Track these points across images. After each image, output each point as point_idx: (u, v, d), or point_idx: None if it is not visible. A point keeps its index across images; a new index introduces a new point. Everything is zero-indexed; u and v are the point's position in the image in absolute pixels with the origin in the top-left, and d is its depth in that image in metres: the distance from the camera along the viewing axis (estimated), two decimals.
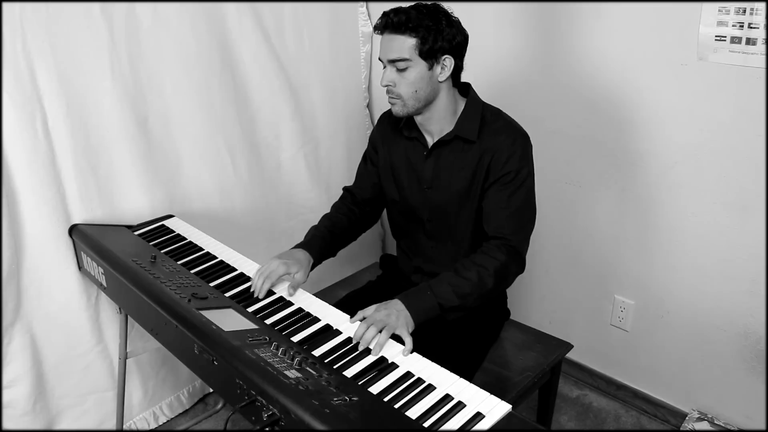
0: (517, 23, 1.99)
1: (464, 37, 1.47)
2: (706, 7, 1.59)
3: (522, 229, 1.51)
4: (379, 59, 1.48)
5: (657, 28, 1.70)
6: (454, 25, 1.44)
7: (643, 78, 1.78)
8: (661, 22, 1.69)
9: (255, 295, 1.48)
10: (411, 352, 1.28)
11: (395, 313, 1.35)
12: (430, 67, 1.44)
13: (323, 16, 2.26)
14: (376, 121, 1.76)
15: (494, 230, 1.49)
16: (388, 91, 1.49)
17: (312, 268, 1.58)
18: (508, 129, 1.52)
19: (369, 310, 1.38)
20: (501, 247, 1.47)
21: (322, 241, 1.63)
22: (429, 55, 1.42)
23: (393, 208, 1.72)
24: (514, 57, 2.04)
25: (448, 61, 1.45)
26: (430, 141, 1.58)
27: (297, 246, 1.60)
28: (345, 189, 1.80)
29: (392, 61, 1.44)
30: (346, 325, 1.37)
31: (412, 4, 1.45)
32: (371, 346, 1.29)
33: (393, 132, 1.64)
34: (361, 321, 1.36)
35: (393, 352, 1.28)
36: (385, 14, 1.44)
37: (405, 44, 1.41)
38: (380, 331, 1.30)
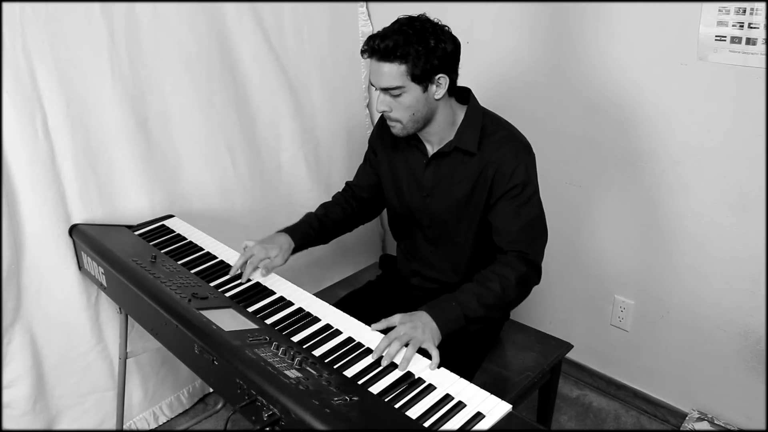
0: (517, 23, 1.99)
1: (456, 47, 1.42)
2: (706, 7, 1.59)
3: (536, 241, 1.49)
4: (371, 83, 1.45)
5: (657, 28, 1.70)
6: (444, 38, 1.38)
7: (643, 78, 1.78)
8: (661, 22, 1.69)
9: (232, 275, 1.55)
10: (438, 367, 1.22)
11: (421, 325, 1.29)
12: (425, 89, 1.41)
13: (323, 16, 2.26)
14: (376, 122, 1.75)
15: (508, 245, 1.47)
16: (384, 115, 1.47)
17: (293, 253, 1.61)
18: (509, 140, 1.49)
19: (393, 320, 1.32)
20: (520, 259, 1.45)
21: (309, 227, 1.66)
22: (422, 78, 1.38)
23: (393, 211, 1.71)
24: (514, 57, 2.05)
25: (443, 80, 1.41)
26: (430, 149, 1.56)
27: (282, 230, 1.63)
28: (347, 183, 1.81)
29: (385, 89, 1.41)
30: (346, 325, 1.37)
31: (399, 23, 1.39)
32: (397, 361, 1.23)
33: (393, 137, 1.61)
34: (382, 332, 1.31)
35: (419, 367, 1.22)
36: (371, 39, 1.38)
37: (395, 72, 1.36)
38: (406, 345, 1.25)
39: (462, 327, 1.36)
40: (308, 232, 1.65)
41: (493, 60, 2.09)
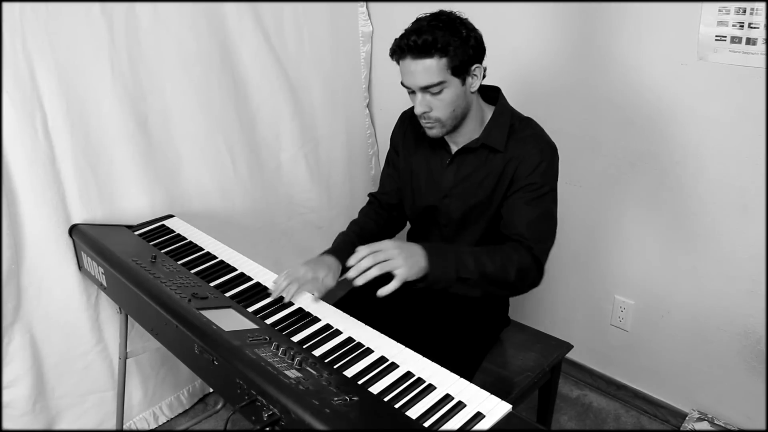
0: (518, 23, 1.99)
1: (480, 35, 1.40)
2: (706, 7, 1.59)
3: (543, 239, 1.46)
4: (404, 85, 1.39)
5: (657, 28, 1.70)
6: (471, 27, 1.37)
7: (643, 78, 1.78)
8: (661, 22, 1.69)
9: (276, 296, 1.44)
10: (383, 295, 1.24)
11: (407, 254, 1.26)
12: (464, 82, 1.38)
13: (323, 16, 2.26)
14: (397, 120, 1.68)
15: (516, 237, 1.44)
16: (423, 117, 1.42)
17: (342, 274, 1.52)
18: (535, 139, 1.47)
19: (383, 243, 1.29)
20: (528, 250, 1.42)
21: (352, 246, 1.55)
22: (461, 70, 1.35)
23: (411, 211, 1.67)
24: (514, 57, 2.05)
25: (478, 70, 1.40)
26: (455, 148, 1.53)
27: (325, 252, 1.56)
28: (370, 195, 1.76)
29: (425, 88, 1.36)
30: (346, 325, 1.37)
31: (425, 19, 1.35)
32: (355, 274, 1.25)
33: (415, 136, 1.58)
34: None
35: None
36: (404, 37, 1.33)
37: (436, 67, 1.32)
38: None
39: (448, 281, 1.33)
40: (351, 251, 1.53)
41: (494, 60, 2.08)
